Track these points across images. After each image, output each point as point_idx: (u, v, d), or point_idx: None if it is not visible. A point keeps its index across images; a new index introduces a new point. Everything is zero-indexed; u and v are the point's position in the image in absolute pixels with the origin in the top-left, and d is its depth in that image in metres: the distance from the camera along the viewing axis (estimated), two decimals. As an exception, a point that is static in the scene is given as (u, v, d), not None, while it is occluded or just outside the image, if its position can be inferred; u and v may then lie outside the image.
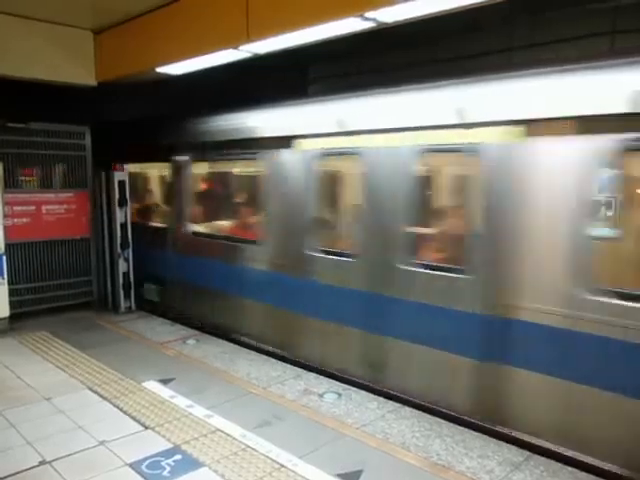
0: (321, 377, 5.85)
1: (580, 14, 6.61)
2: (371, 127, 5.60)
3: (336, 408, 5.06)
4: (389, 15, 4.49)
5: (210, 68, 6.50)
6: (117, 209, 8.32)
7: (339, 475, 3.86)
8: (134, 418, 4.77)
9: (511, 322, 4.58)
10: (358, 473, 3.89)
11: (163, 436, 4.44)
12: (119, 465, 4.00)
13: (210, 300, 7.84)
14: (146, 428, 4.59)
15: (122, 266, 8.49)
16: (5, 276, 7.36)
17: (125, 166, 8.42)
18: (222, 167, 8.50)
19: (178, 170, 8.29)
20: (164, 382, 5.58)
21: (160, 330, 7.59)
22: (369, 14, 4.43)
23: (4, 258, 7.38)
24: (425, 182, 5.81)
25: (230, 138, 7.33)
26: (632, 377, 3.97)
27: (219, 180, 8.93)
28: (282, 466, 3.98)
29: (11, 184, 7.83)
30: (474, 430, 4.67)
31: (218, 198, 8.88)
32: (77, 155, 8.54)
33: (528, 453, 4.28)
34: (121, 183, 8.32)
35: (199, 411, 4.91)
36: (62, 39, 7.34)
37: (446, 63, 7.63)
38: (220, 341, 7.13)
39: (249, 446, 4.28)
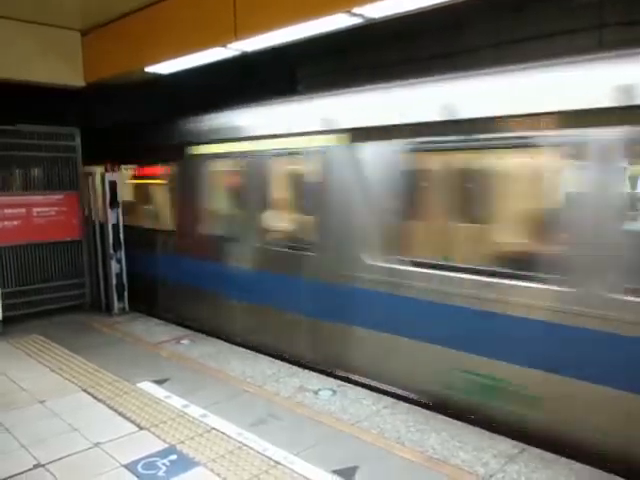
0: (316, 374, 5.84)
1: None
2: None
3: (331, 405, 5.07)
4: (376, 11, 4.49)
5: (197, 67, 6.48)
6: (109, 210, 8.29)
7: (335, 471, 3.87)
8: (129, 419, 4.75)
9: None
10: (354, 469, 3.90)
11: (158, 436, 4.43)
12: (114, 466, 3.99)
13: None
14: (141, 429, 4.58)
15: (115, 267, 8.46)
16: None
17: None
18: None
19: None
20: (159, 382, 5.57)
21: (154, 331, 7.57)
22: (356, 10, 4.43)
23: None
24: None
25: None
26: None
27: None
28: (278, 463, 3.98)
29: (0, 186, 7.80)
30: (469, 424, 4.69)
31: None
32: (67, 157, 8.50)
33: (523, 445, 4.29)
34: (112, 184, 8.29)
35: (194, 411, 4.90)
36: (49, 40, 7.32)
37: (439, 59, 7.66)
38: (214, 341, 7.11)
39: (245, 444, 4.28)
